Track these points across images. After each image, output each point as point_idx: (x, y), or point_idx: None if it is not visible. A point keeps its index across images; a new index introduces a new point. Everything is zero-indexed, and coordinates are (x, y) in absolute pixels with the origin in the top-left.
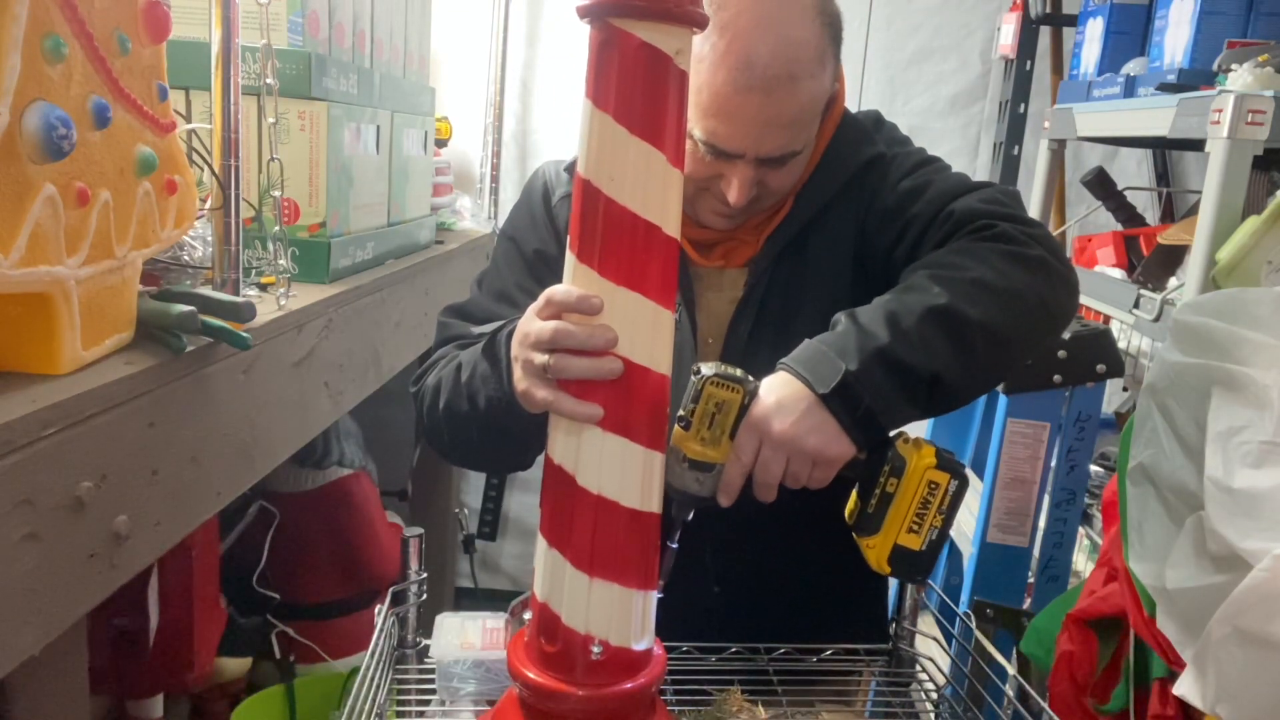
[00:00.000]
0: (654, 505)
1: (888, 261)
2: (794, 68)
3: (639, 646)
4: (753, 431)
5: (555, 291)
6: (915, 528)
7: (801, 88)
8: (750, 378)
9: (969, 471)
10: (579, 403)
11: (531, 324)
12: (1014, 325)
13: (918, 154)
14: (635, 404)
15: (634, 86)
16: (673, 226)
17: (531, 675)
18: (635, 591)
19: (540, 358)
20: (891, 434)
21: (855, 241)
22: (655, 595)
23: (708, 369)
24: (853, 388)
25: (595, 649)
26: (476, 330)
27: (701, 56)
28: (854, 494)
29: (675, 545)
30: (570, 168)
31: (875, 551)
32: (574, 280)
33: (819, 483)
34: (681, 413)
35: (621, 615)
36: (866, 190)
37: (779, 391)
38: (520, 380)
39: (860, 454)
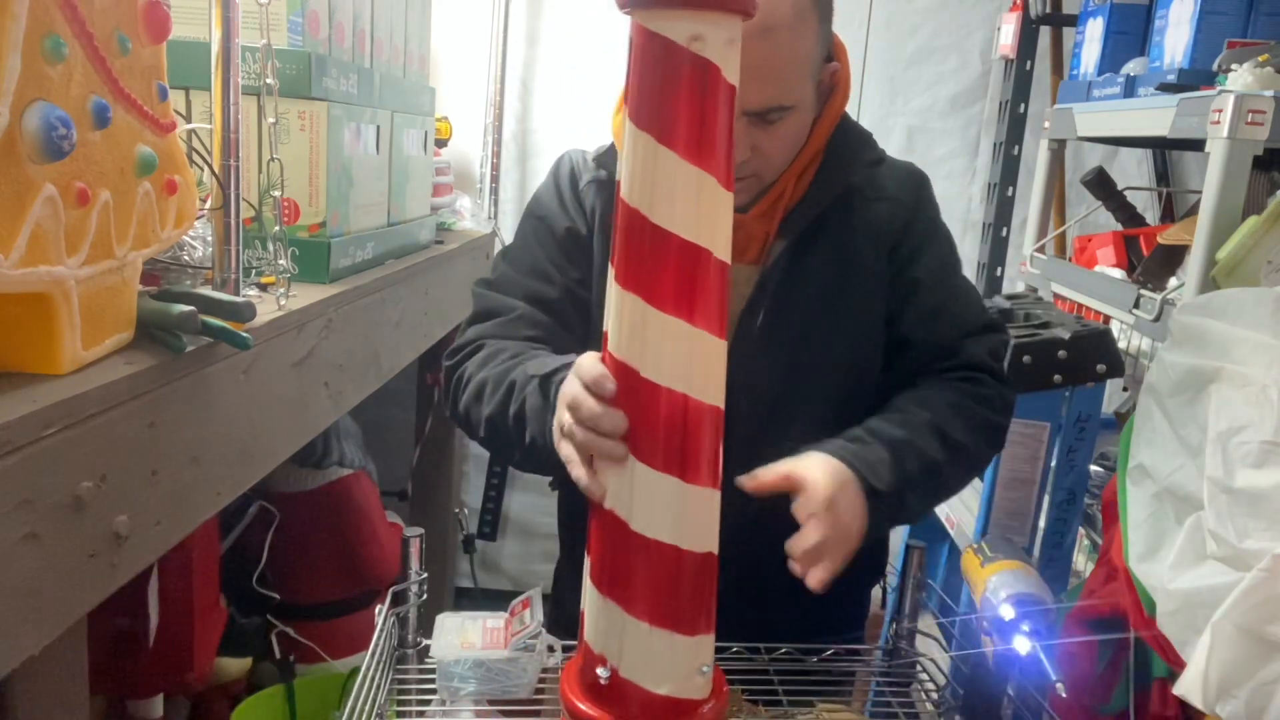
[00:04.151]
0: (712, 545)
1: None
2: (768, 19)
3: (699, 695)
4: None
5: (583, 363)
6: None
7: (778, 39)
8: None
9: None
10: (587, 473)
11: (569, 383)
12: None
13: (947, 237)
14: (688, 438)
15: (679, 104)
16: (723, 250)
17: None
18: (695, 638)
19: (565, 417)
20: None
21: (883, 276)
22: (713, 639)
23: None
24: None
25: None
26: (517, 350)
27: None
28: None
29: None
30: (597, 157)
31: None
32: (620, 308)
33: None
34: None
35: (683, 663)
36: (887, 235)
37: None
38: (555, 430)
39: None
